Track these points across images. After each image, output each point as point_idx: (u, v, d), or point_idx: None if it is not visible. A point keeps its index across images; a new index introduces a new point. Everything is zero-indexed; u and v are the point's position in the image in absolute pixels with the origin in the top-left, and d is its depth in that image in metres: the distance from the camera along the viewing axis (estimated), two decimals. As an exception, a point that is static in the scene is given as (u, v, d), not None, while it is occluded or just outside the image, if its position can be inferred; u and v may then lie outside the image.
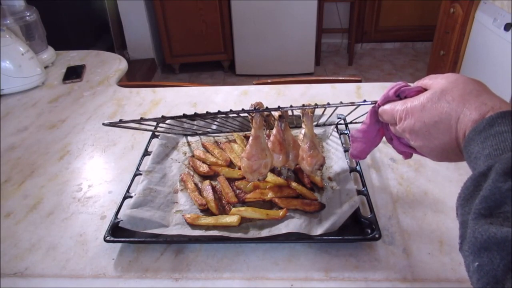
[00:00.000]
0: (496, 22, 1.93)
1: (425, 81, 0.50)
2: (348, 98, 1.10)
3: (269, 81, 1.32)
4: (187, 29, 3.17)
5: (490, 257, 0.30)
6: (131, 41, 3.33)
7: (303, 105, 0.67)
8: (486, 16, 2.04)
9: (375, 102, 0.56)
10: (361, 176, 0.75)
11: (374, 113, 0.57)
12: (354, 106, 0.66)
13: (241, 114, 0.76)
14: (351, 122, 0.87)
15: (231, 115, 0.78)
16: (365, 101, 0.60)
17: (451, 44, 2.38)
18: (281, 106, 0.66)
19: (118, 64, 1.41)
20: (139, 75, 3.12)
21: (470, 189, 0.35)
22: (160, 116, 0.68)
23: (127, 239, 0.64)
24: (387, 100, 0.53)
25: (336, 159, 0.80)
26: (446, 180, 0.77)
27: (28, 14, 1.36)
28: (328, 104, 0.66)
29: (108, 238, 0.63)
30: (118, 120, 0.67)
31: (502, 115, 0.38)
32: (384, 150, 0.86)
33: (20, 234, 0.69)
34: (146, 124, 0.81)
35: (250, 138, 0.69)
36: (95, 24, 3.23)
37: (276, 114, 0.72)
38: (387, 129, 0.57)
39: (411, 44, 3.89)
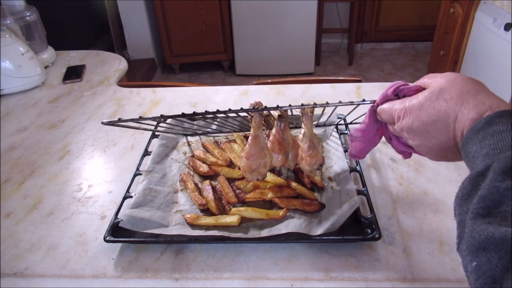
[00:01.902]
0: (496, 22, 1.93)
1: (424, 80, 0.50)
2: (348, 98, 1.10)
3: (269, 81, 1.32)
4: (187, 29, 3.17)
5: (488, 257, 0.30)
6: (131, 41, 3.33)
7: (302, 104, 0.67)
8: (486, 16, 2.04)
9: (373, 102, 0.56)
10: (361, 176, 0.75)
11: (373, 112, 0.56)
12: (354, 106, 0.66)
13: (241, 114, 0.77)
14: (351, 123, 0.87)
15: (231, 115, 0.78)
16: (364, 100, 0.60)
17: (451, 44, 2.38)
18: (280, 106, 0.66)
19: (118, 64, 1.41)
20: (139, 75, 3.12)
21: (468, 189, 0.35)
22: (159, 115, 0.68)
23: (127, 239, 0.64)
24: (385, 99, 0.53)
25: (336, 159, 0.80)
26: (446, 180, 0.77)
27: (28, 14, 1.36)
28: (327, 103, 0.66)
29: (108, 238, 0.63)
30: (117, 119, 0.67)
31: (500, 114, 0.38)
32: (384, 150, 0.86)
33: (20, 234, 0.69)
34: (146, 124, 0.81)
35: (250, 137, 0.69)
36: (95, 24, 3.23)
37: (275, 114, 0.72)
38: (386, 128, 0.57)
39: (411, 44, 3.89)
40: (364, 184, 0.73)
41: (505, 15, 1.86)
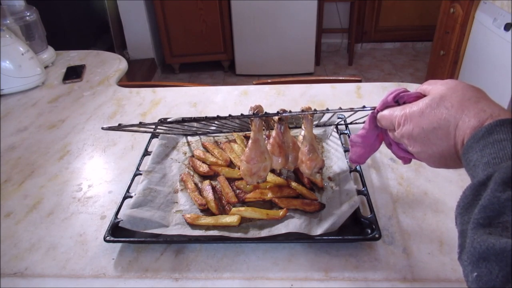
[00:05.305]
0: (496, 22, 1.93)
1: (424, 87, 0.50)
2: (348, 98, 1.10)
3: (269, 81, 1.32)
4: (187, 29, 3.17)
5: (489, 268, 0.30)
6: (131, 41, 3.33)
7: (302, 111, 0.67)
8: (486, 16, 2.04)
9: (374, 108, 0.56)
10: (361, 176, 0.75)
11: (373, 118, 0.56)
12: (354, 106, 0.66)
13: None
14: (351, 123, 0.87)
15: (231, 114, 0.78)
16: (364, 107, 0.61)
17: (451, 44, 2.38)
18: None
19: (118, 64, 1.41)
20: (139, 75, 3.12)
21: (469, 198, 0.35)
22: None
23: (127, 239, 0.64)
24: (385, 105, 0.53)
25: (336, 160, 0.80)
26: (446, 180, 0.77)
27: (28, 14, 1.36)
28: (327, 109, 0.66)
29: (108, 238, 0.63)
30: (117, 124, 0.67)
31: (501, 123, 0.38)
32: (384, 151, 0.85)
33: (20, 234, 0.69)
34: (146, 127, 0.81)
35: (250, 141, 0.69)
36: (95, 24, 3.23)
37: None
38: (386, 134, 0.57)
39: (411, 44, 3.88)
40: (364, 184, 0.73)
41: (505, 15, 1.86)
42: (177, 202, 0.72)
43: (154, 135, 0.90)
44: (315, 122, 0.90)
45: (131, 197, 0.71)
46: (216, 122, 0.88)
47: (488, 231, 0.31)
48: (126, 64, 1.42)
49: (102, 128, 0.69)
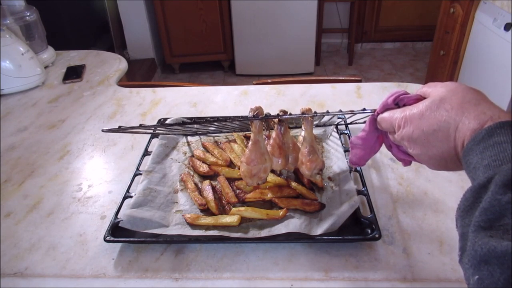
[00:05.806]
0: (496, 22, 1.93)
1: (424, 89, 0.50)
2: (348, 98, 1.10)
3: (269, 81, 1.32)
4: (187, 29, 3.17)
5: (490, 271, 0.30)
6: (131, 41, 3.33)
7: (302, 112, 0.67)
8: (486, 16, 2.04)
9: (374, 110, 0.56)
10: (361, 176, 0.75)
11: (373, 120, 0.56)
12: (355, 109, 0.67)
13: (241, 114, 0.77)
14: (351, 123, 0.87)
15: (231, 115, 0.78)
16: (364, 109, 0.61)
17: (451, 44, 2.38)
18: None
19: (118, 64, 1.41)
20: (139, 75, 3.12)
21: (470, 201, 0.35)
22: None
23: (127, 239, 0.64)
24: (386, 108, 0.53)
25: (336, 160, 0.80)
26: (446, 180, 0.77)
27: (28, 14, 1.36)
28: (328, 111, 0.66)
29: (108, 238, 0.63)
30: (117, 126, 0.68)
31: (501, 125, 0.38)
32: (384, 151, 0.85)
33: (20, 234, 0.69)
34: (145, 129, 0.81)
35: (250, 142, 0.69)
36: (95, 24, 3.23)
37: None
38: (386, 136, 0.57)
39: (411, 44, 3.89)
40: (364, 184, 0.73)
41: (505, 15, 1.86)
42: (177, 202, 0.72)
43: (154, 135, 0.90)
44: (315, 122, 0.90)
45: (131, 197, 0.71)
46: (216, 123, 0.88)
47: (489, 234, 0.31)
48: (126, 64, 1.43)
49: (103, 131, 0.69)
